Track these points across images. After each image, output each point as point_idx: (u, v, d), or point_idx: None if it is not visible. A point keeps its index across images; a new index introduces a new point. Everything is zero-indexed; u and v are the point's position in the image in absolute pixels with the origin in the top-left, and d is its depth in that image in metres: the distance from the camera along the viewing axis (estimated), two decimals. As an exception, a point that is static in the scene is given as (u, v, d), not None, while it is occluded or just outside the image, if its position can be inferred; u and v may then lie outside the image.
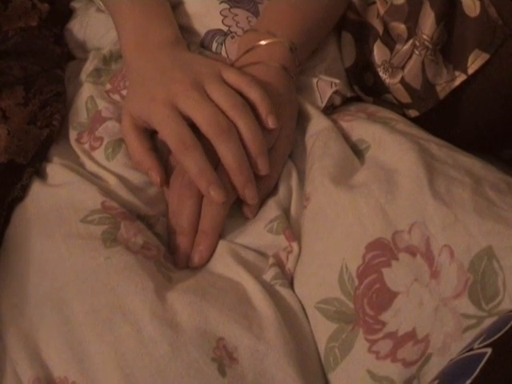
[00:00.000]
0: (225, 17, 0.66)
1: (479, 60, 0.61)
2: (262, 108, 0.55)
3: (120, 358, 0.44)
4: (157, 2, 0.64)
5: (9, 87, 0.62)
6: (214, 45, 0.66)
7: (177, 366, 0.44)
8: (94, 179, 0.56)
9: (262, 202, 0.56)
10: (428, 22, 0.61)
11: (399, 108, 0.68)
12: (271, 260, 0.53)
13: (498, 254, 0.43)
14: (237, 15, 0.66)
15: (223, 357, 0.45)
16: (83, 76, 0.67)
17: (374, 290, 0.47)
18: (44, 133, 0.60)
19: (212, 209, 0.54)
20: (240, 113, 0.54)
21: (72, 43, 0.74)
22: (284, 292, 0.51)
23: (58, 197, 0.54)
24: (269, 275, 0.51)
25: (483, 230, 0.45)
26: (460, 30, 0.61)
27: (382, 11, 0.67)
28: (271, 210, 0.55)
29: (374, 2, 0.68)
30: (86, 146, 0.60)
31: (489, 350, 0.33)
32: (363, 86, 0.70)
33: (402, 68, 0.64)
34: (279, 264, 0.53)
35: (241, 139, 0.54)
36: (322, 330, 0.48)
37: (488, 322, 0.42)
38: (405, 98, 0.66)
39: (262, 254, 0.54)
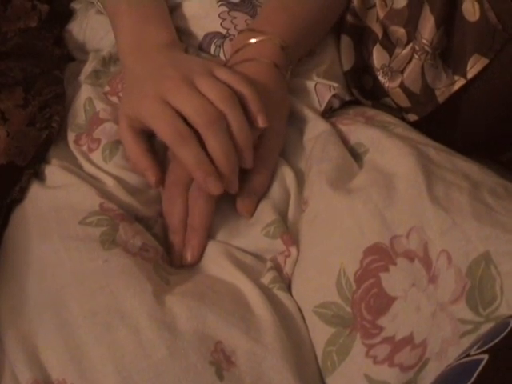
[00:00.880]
0: (223, 19, 0.66)
1: (478, 64, 0.61)
2: (252, 105, 0.55)
3: (118, 360, 0.44)
4: (154, 5, 0.64)
5: (8, 88, 0.62)
6: (213, 47, 0.66)
7: (175, 369, 0.44)
8: (92, 181, 0.56)
9: (258, 206, 0.56)
10: (428, 27, 0.61)
11: (398, 112, 0.68)
12: (269, 264, 0.53)
13: (496, 259, 0.43)
14: (235, 18, 0.66)
15: (221, 360, 0.45)
16: (82, 78, 0.67)
17: (371, 294, 0.47)
18: (43, 134, 0.60)
19: (199, 205, 0.54)
20: (229, 105, 0.54)
21: (71, 45, 0.74)
22: (282, 296, 0.51)
23: (57, 198, 0.54)
24: (267, 279, 0.51)
25: (481, 235, 0.45)
26: (459, 34, 0.61)
27: (381, 15, 0.66)
28: (268, 213, 0.55)
29: (374, 6, 0.68)
30: (84, 147, 0.60)
31: (485, 357, 0.33)
32: (362, 90, 0.70)
33: (402, 72, 0.64)
34: (277, 268, 0.53)
35: (228, 131, 0.54)
36: (320, 334, 0.48)
37: (485, 327, 0.41)
38: (404, 102, 0.66)
39: (259, 258, 0.54)
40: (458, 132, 0.68)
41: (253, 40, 0.61)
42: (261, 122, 0.55)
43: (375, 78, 0.68)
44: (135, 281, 0.48)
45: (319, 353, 0.48)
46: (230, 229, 0.56)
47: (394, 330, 0.45)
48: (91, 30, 0.72)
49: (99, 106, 0.62)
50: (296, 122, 0.61)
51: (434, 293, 0.45)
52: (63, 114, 0.63)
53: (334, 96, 0.64)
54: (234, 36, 0.65)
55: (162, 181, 0.56)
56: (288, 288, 0.52)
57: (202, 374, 0.44)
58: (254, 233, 0.55)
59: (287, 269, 0.53)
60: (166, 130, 0.53)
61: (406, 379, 0.43)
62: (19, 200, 0.56)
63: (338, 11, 0.69)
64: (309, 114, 0.61)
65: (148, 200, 0.57)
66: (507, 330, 0.35)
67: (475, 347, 0.35)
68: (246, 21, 0.66)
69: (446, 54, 0.63)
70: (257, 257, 0.54)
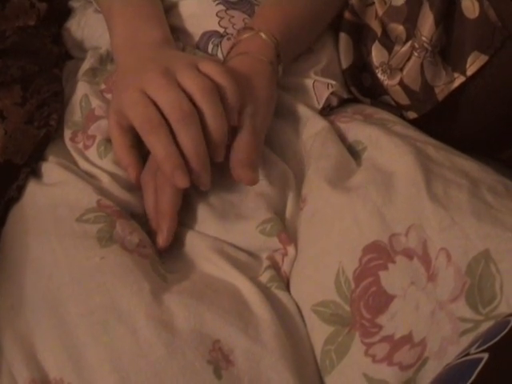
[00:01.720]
0: (221, 18, 0.66)
1: (478, 62, 0.61)
2: (230, 99, 0.54)
3: (115, 359, 0.44)
4: (148, 3, 0.64)
5: (6, 86, 0.62)
6: (210, 46, 0.65)
7: (172, 368, 0.44)
8: (88, 178, 0.56)
9: (254, 202, 0.56)
10: (427, 24, 0.60)
11: (397, 110, 0.68)
12: (266, 262, 0.53)
13: (496, 257, 0.43)
14: (233, 17, 0.66)
15: (219, 359, 0.45)
16: (80, 75, 0.67)
17: (370, 292, 0.46)
18: (41, 133, 0.60)
19: (166, 191, 0.54)
20: (207, 99, 0.53)
21: (70, 43, 0.73)
22: (280, 294, 0.50)
23: (54, 196, 0.54)
24: (264, 277, 0.51)
25: (480, 233, 0.45)
26: (459, 31, 0.61)
27: (380, 12, 0.66)
28: (263, 210, 0.55)
29: (373, 3, 0.68)
30: (80, 144, 0.60)
31: (485, 355, 0.33)
32: (361, 88, 0.70)
33: (401, 70, 0.64)
34: (274, 266, 0.53)
35: (202, 123, 0.53)
36: (319, 332, 0.48)
37: (485, 325, 0.41)
38: (403, 99, 0.66)
39: (252, 255, 0.54)
40: (458, 130, 0.67)
41: (245, 35, 0.61)
42: (232, 120, 0.54)
43: (374, 76, 0.68)
44: (132, 279, 0.48)
45: (318, 352, 0.48)
46: (221, 223, 0.55)
47: (393, 329, 0.45)
48: (89, 28, 0.72)
49: (95, 102, 0.62)
50: (294, 120, 0.61)
51: (434, 291, 0.44)
52: (61, 112, 0.63)
53: (332, 94, 0.64)
54: (231, 35, 0.65)
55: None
56: (286, 287, 0.52)
57: (200, 373, 0.44)
58: (247, 229, 0.54)
59: (285, 267, 0.52)
60: (137, 117, 0.53)
61: (405, 378, 0.43)
62: (16, 198, 0.55)
63: (335, 8, 0.69)
64: (307, 111, 0.61)
65: (142, 196, 0.57)
66: (507, 329, 0.34)
67: (475, 346, 0.35)
68: (243, 19, 0.66)
69: (446, 52, 0.62)
70: (249, 254, 0.54)
